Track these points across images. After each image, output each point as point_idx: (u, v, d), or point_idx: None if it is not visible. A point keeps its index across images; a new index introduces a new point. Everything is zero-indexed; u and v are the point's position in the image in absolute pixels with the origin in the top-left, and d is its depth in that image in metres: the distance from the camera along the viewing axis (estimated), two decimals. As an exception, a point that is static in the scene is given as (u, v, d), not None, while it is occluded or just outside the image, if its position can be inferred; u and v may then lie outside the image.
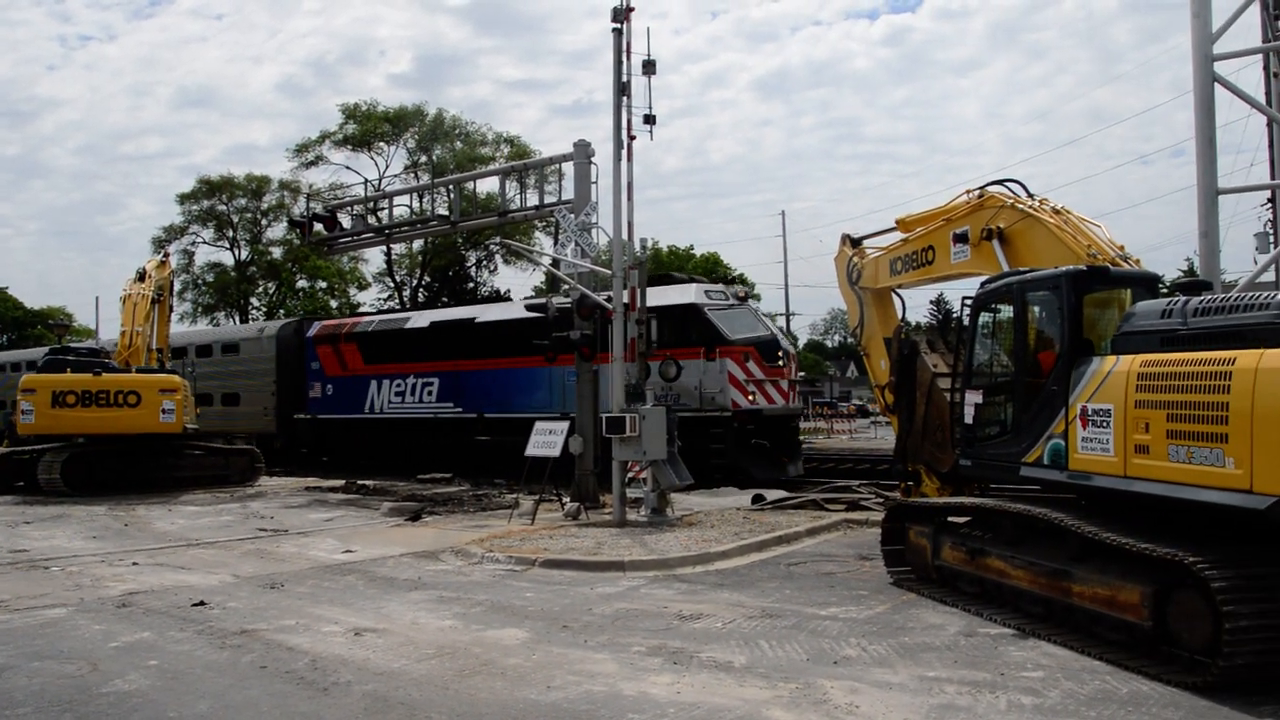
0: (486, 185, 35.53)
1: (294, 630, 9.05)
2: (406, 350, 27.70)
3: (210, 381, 32.09)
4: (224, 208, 58.64)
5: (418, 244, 50.70)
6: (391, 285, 56.62)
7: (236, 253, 59.70)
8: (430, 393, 27.02)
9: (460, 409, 26.15)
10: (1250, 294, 7.72)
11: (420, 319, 28.64)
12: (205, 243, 59.48)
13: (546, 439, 16.41)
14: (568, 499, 17.04)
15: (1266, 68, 23.16)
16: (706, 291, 23.21)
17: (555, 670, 7.63)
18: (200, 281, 59.49)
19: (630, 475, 16.07)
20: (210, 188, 57.88)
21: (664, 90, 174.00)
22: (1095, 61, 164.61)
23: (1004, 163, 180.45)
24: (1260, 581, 6.82)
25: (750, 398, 21.60)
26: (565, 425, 16.75)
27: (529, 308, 21.06)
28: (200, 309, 59.44)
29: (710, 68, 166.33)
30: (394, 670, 7.70)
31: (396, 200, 27.20)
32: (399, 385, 27.73)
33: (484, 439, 25.28)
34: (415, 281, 56.02)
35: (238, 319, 57.72)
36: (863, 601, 9.92)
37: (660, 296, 21.32)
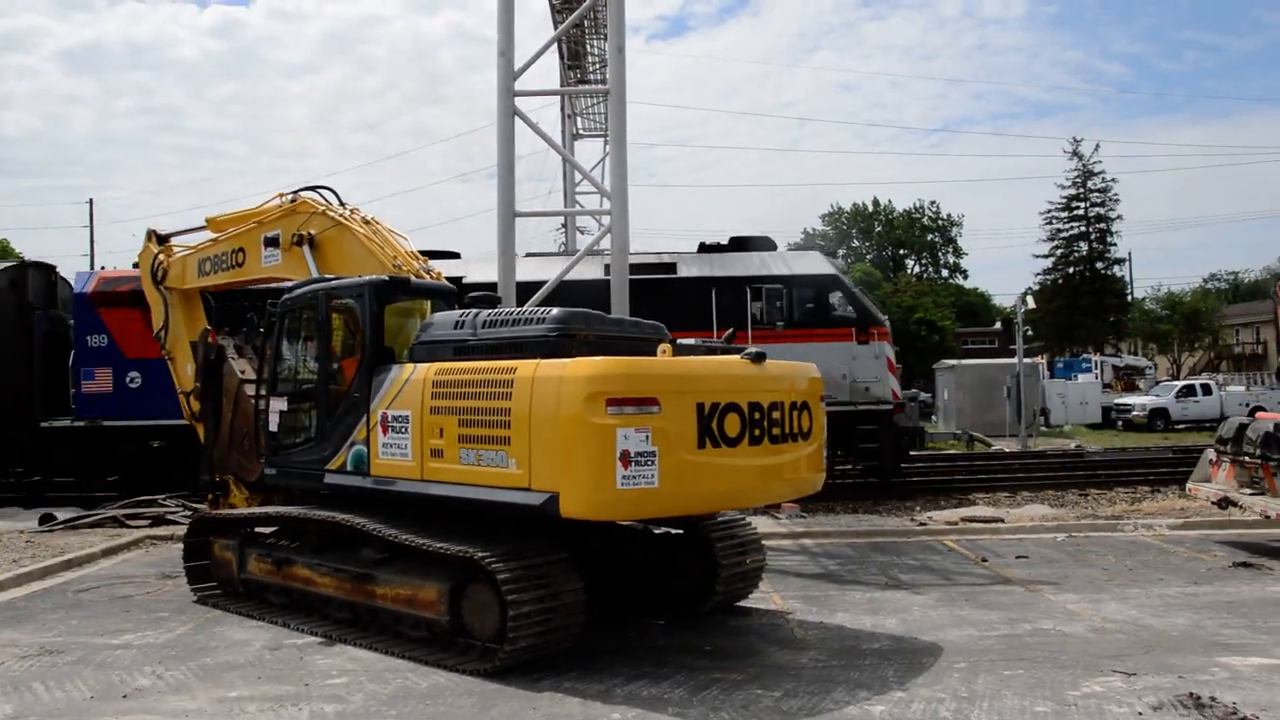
0: None
1: None
2: None
3: None
4: None
5: None
6: None
7: None
8: None
9: None
10: (529, 310, 8.47)
11: None
12: None
13: None
14: None
15: (563, 108, 26.00)
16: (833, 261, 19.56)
17: None
18: None
19: None
20: None
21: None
22: (423, 81, 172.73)
23: (334, 169, 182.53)
24: (538, 570, 7.50)
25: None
26: None
27: None
28: None
29: (7, 27, 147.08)
30: None
31: None
32: None
33: None
34: None
35: None
36: (162, 624, 9.27)
37: (777, 264, 18.45)
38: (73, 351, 19.50)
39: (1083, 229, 67.63)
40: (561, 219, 27.71)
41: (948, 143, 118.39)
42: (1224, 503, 13.17)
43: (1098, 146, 69.09)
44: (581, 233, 27.74)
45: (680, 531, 9.41)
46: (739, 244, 20.12)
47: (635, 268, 17.38)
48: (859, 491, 18.77)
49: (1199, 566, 11.67)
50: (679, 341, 8.23)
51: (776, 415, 7.99)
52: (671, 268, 18.96)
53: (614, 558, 9.31)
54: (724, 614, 9.46)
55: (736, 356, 8.10)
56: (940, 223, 65.99)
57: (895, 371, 19.03)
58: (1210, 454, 13.93)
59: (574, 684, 7.26)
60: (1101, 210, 67.85)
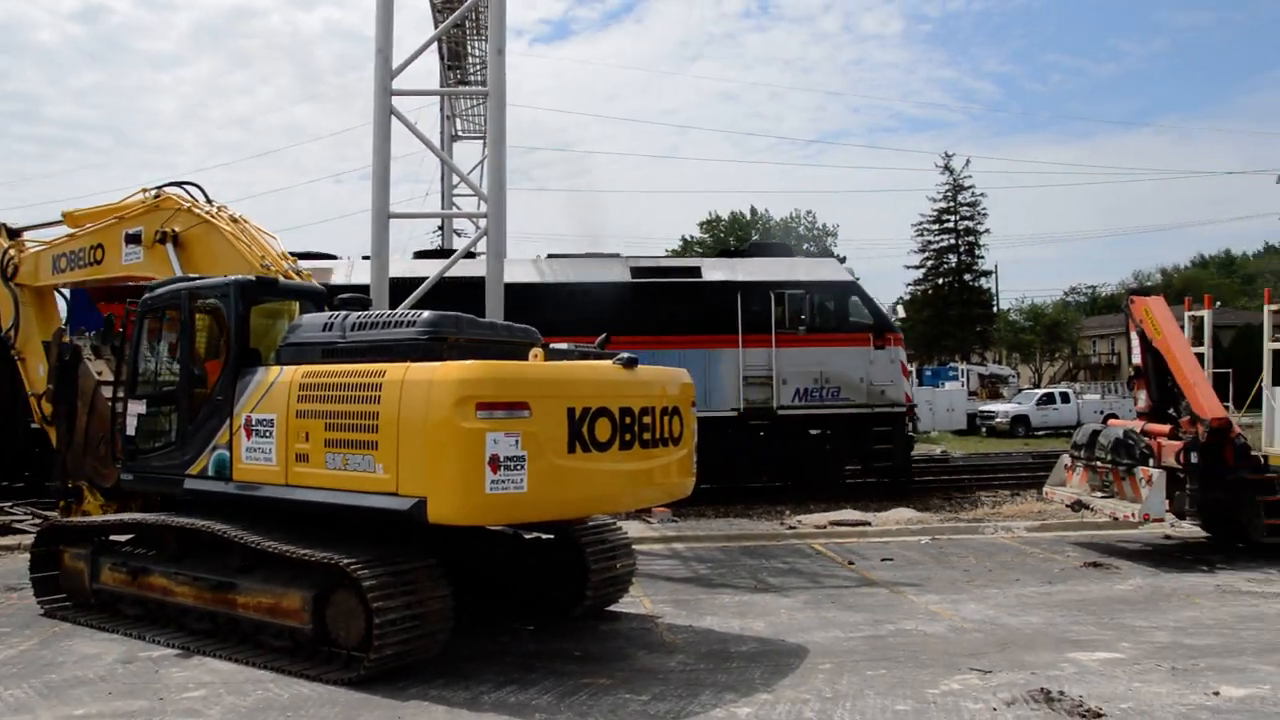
0: None
1: None
2: None
3: None
4: None
5: None
6: None
7: None
8: None
9: None
10: (399, 312, 8.37)
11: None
12: None
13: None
14: None
15: (442, 109, 25.71)
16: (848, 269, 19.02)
17: None
18: None
19: None
20: None
21: None
22: (298, 78, 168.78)
23: (202, 165, 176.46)
24: (405, 577, 7.40)
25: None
26: None
27: None
28: None
29: None
30: None
31: None
32: None
33: None
34: None
35: None
36: (4, 640, 8.81)
37: (799, 270, 18.33)
38: None
39: (952, 241, 69.72)
40: (439, 221, 27.40)
41: (825, 154, 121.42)
42: (1077, 505, 13.73)
43: (968, 162, 71.64)
44: (458, 235, 27.51)
45: (551, 536, 9.40)
46: (758, 249, 20.48)
47: (661, 270, 18.18)
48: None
49: (1053, 567, 12.13)
50: (552, 346, 8.21)
51: (648, 420, 8.04)
52: (696, 271, 19.07)
53: (483, 563, 9.25)
54: (594, 618, 9.47)
55: (609, 361, 8.12)
56: (816, 232, 67.33)
57: (908, 376, 19.59)
58: (1065, 459, 14.51)
59: (441, 691, 7.18)
60: (970, 223, 70.11)
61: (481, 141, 23.54)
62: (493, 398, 7.02)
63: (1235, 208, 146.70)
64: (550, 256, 19.80)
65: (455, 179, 22.45)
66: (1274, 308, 13.66)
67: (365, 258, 17.59)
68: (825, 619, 9.47)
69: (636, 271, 18.55)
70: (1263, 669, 7.76)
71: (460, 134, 26.30)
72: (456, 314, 8.02)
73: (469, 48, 23.07)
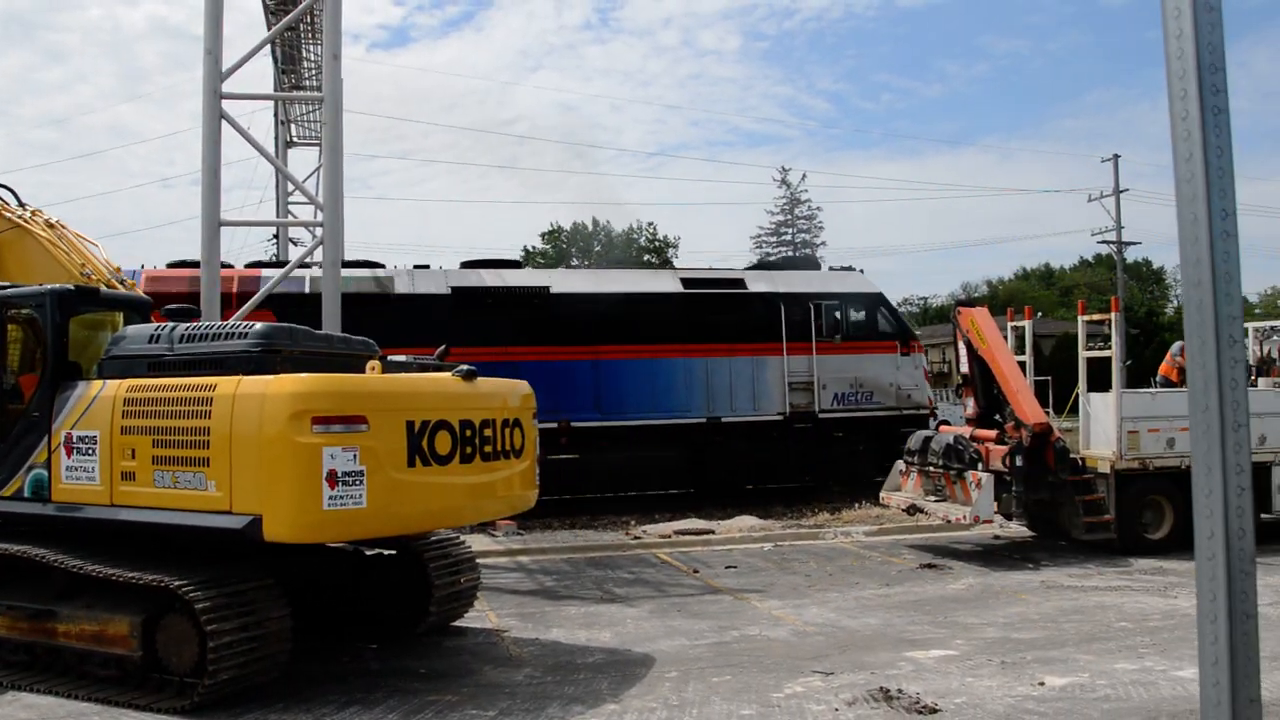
0: None
1: None
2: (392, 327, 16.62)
3: None
4: None
5: None
6: None
7: None
8: None
9: None
10: (230, 324, 8.08)
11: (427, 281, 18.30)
12: None
13: None
14: None
15: (277, 114, 24.98)
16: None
17: None
18: None
19: None
20: None
21: None
22: (121, 76, 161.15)
23: (15, 166, 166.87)
24: (241, 598, 7.13)
25: None
26: None
27: None
28: None
29: None
30: None
31: None
32: None
33: None
34: None
35: None
36: None
37: (833, 282, 19.76)
38: None
39: (790, 253, 71.45)
40: (274, 229, 26.63)
41: (665, 166, 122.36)
42: (912, 510, 14.22)
43: (804, 176, 73.69)
44: (294, 244, 26.77)
45: (393, 552, 9.21)
46: (789, 263, 22.37)
47: (707, 282, 19.60)
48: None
49: (891, 569, 12.53)
50: (390, 358, 8.06)
51: (489, 433, 7.97)
52: (740, 283, 19.80)
53: (324, 581, 9.00)
54: (439, 635, 9.33)
55: (448, 374, 8.02)
56: (657, 244, 68.07)
57: (929, 380, 20.91)
58: (900, 465, 15.01)
59: (281, 715, 6.98)
60: (807, 236, 72.10)
61: (319, 148, 22.97)
62: (329, 411, 6.85)
63: (1053, 223, 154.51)
64: (603, 268, 21.13)
65: (291, 186, 21.85)
66: (1088, 319, 14.42)
67: (418, 267, 18.77)
68: (671, 627, 9.54)
69: (687, 283, 19.53)
70: (1082, 658, 8.19)
71: (296, 140, 25.62)
72: (290, 325, 7.80)
73: (304, 52, 22.47)
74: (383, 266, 18.61)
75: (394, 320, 16.49)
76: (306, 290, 16.17)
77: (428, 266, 18.86)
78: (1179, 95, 3.64)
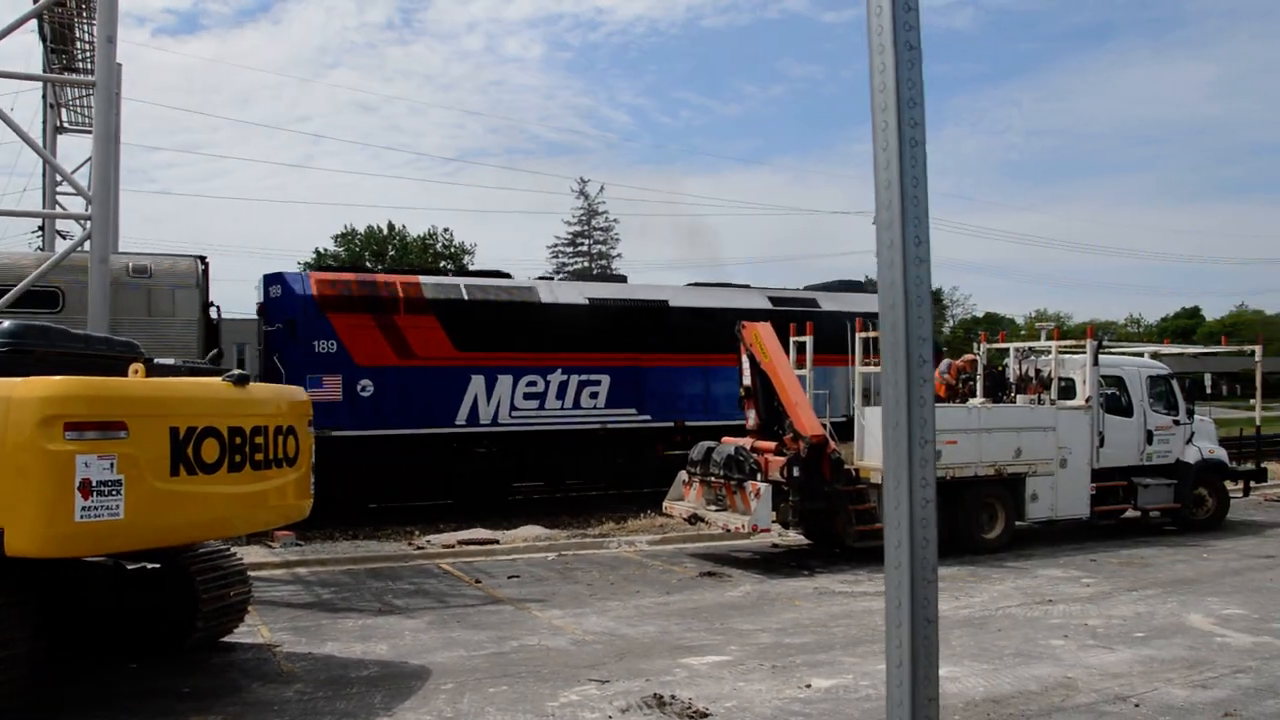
0: None
1: None
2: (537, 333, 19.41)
3: None
4: None
5: None
6: None
7: None
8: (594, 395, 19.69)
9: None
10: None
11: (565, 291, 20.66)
12: None
13: None
14: None
15: (45, 97, 23.34)
16: None
17: None
18: None
19: None
20: None
21: None
22: None
23: None
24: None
25: None
26: None
27: None
28: None
29: None
30: None
31: None
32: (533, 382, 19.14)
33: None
34: None
35: None
36: None
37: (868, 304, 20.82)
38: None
39: (586, 264, 71.93)
40: (39, 221, 24.96)
41: (463, 172, 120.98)
42: (693, 519, 14.53)
43: (603, 188, 74.06)
44: (63, 236, 25.08)
45: (157, 565, 8.75)
46: (842, 285, 24.28)
47: (787, 300, 21.91)
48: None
49: (671, 578, 12.76)
50: (157, 361, 7.67)
51: (260, 440, 7.68)
52: (814, 302, 22.04)
53: (81, 596, 8.45)
54: (207, 650, 8.94)
55: (217, 378, 7.69)
56: (453, 250, 67.22)
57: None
58: (683, 475, 15.32)
59: (23, 742, 6.52)
60: (604, 248, 72.66)
61: (92, 136, 21.62)
62: (84, 416, 6.43)
63: (843, 243, 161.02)
64: (691, 285, 23.13)
65: (58, 175, 20.48)
66: (863, 335, 15.07)
67: (542, 277, 21.67)
68: (450, 639, 9.43)
69: (775, 300, 21.75)
70: (848, 660, 8.57)
71: (66, 126, 24.02)
72: (45, 325, 7.34)
73: (77, 31, 21.13)
74: (509, 276, 20.40)
75: (539, 326, 19.15)
76: (465, 297, 18.57)
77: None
78: (881, 127, 3.85)
